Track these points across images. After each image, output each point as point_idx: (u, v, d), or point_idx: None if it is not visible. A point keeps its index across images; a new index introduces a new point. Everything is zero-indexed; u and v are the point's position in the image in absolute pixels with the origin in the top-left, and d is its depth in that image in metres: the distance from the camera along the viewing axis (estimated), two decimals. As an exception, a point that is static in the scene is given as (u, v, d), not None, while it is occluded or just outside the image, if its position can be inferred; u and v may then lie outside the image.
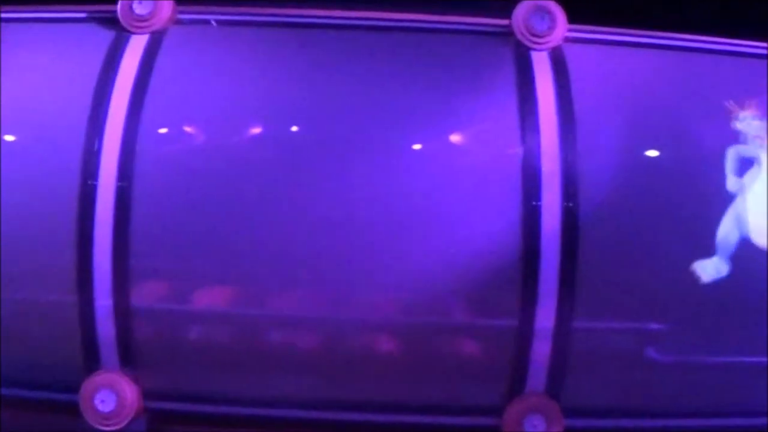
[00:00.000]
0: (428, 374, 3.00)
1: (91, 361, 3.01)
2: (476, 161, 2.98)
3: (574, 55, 3.08)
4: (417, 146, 3.00)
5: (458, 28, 3.22)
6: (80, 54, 3.11)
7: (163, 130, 2.99)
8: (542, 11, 3.10)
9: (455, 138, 3.00)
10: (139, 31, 3.12)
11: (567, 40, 3.10)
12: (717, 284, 2.86)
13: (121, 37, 3.12)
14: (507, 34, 3.15)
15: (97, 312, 2.94)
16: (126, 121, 2.96)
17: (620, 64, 3.09)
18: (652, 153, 2.96)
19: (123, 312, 2.94)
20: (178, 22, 3.16)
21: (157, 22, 3.13)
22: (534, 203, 2.88)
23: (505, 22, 3.16)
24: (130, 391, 2.99)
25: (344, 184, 2.94)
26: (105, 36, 3.14)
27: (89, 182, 2.93)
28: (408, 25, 3.23)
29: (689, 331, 2.92)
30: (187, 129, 3.00)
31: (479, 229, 2.92)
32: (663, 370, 2.93)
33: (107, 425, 3.00)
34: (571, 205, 2.88)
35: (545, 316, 2.89)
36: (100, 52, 3.09)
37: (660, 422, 2.97)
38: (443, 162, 2.98)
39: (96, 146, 2.95)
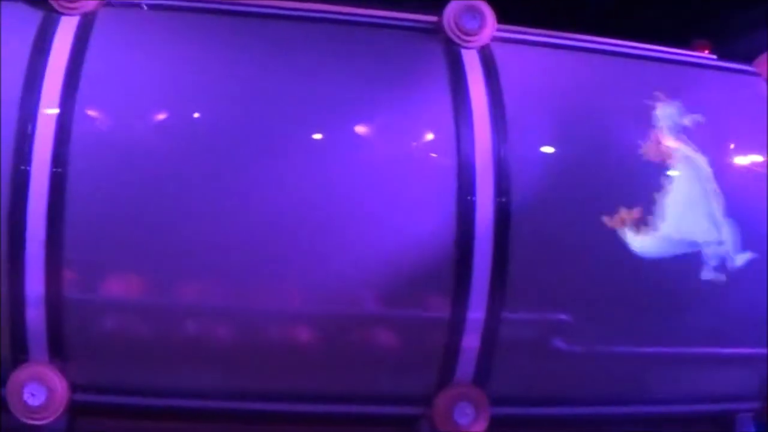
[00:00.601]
0: (359, 365, 3.07)
1: (19, 352, 2.91)
2: (411, 154, 3.07)
3: (501, 54, 3.21)
4: (350, 138, 3.06)
5: (387, 23, 3.29)
6: (8, 34, 2.97)
7: (97, 115, 2.90)
8: (473, 10, 3.22)
9: (390, 131, 3.08)
10: (69, 12, 3.03)
11: (495, 39, 3.23)
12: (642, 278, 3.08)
13: (51, 17, 3.02)
14: (436, 31, 3.26)
15: (27, 301, 2.85)
16: (60, 104, 2.87)
17: (544, 64, 3.24)
18: (578, 150, 3.13)
19: (54, 302, 2.85)
20: (108, 4, 3.09)
21: (88, 4, 3.04)
22: (469, 198, 3.00)
23: (433, 18, 3.27)
24: (60, 384, 2.92)
25: (274, 175, 2.95)
26: (33, 16, 3.02)
27: (22, 167, 2.83)
28: (337, 17, 3.27)
29: (609, 322, 3.12)
30: (122, 114, 2.93)
31: (414, 222, 3.00)
32: (583, 360, 3.12)
33: (35, 419, 2.92)
34: (503, 200, 3.01)
35: (476, 308, 3.02)
36: (29, 32, 2.98)
37: (582, 410, 3.16)
38: (378, 154, 3.05)
39: (29, 130, 2.84)
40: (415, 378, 3.10)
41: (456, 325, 3.02)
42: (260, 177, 2.95)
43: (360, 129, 3.06)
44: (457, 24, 3.20)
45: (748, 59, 3.47)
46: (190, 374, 2.99)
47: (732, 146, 3.24)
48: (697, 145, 3.17)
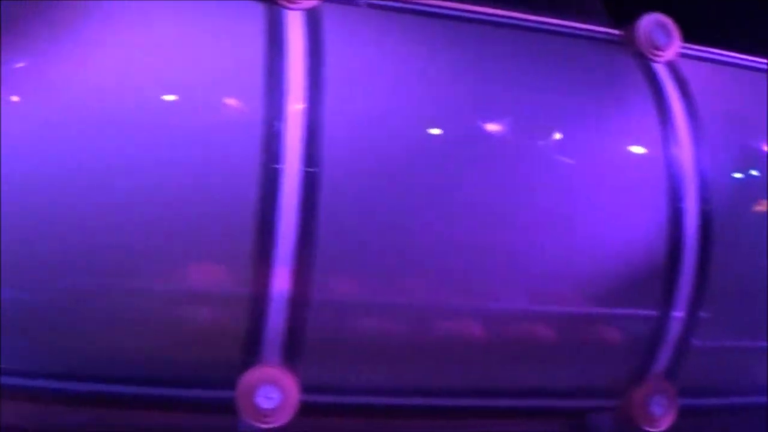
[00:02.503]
0: (560, 359, 3.16)
1: (251, 355, 2.83)
2: (622, 163, 3.18)
3: (686, 69, 3.37)
4: (563, 145, 3.13)
5: (573, 32, 3.38)
6: (234, 27, 2.88)
7: (342, 114, 2.85)
8: (663, 25, 3.36)
9: (600, 140, 3.18)
10: (293, 6, 2.96)
11: (680, 55, 3.39)
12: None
13: (275, 12, 2.94)
14: (620, 43, 3.38)
15: (270, 302, 2.78)
16: (306, 102, 2.81)
17: (725, 82, 3.43)
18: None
19: (297, 303, 2.80)
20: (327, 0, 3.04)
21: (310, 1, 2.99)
22: (678, 205, 3.14)
23: (615, 31, 3.39)
24: (292, 386, 2.86)
25: (497, 178, 3.01)
26: (255, 11, 2.94)
27: (273, 166, 2.75)
28: (525, 24, 3.33)
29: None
30: (364, 114, 2.90)
31: (626, 227, 3.12)
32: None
33: (266, 422, 2.85)
34: (707, 208, 3.17)
35: (679, 308, 3.18)
36: (257, 27, 2.89)
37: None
38: (591, 162, 3.14)
39: (277, 128, 2.77)
40: (610, 372, 3.21)
41: (660, 323, 3.16)
42: (485, 181, 2.98)
43: (572, 137, 3.14)
44: (649, 38, 3.33)
45: None
46: (422, 372, 3.00)
47: None
48: None
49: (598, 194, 3.11)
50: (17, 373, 2.81)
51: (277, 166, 2.75)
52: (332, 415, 2.99)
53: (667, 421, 3.23)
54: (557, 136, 3.10)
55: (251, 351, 2.83)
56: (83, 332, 2.79)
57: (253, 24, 2.91)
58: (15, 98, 2.67)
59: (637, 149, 3.19)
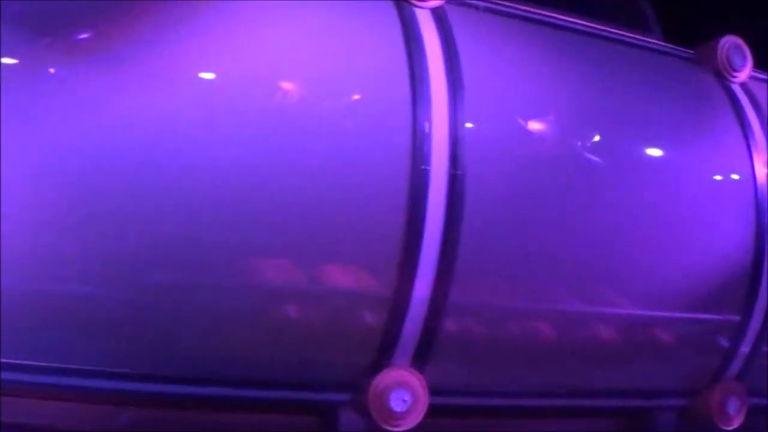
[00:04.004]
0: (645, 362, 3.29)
1: (384, 357, 2.80)
2: (712, 177, 3.33)
3: (757, 91, 3.56)
4: (656, 159, 3.26)
5: (652, 47, 3.52)
6: (375, 29, 2.85)
7: (483, 117, 2.87)
8: (740, 48, 3.53)
9: (695, 155, 3.31)
10: (421, 5, 2.95)
11: (751, 78, 3.58)
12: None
13: (405, 9, 2.92)
14: (694, 61, 3.54)
15: (411, 304, 2.76)
16: (449, 103, 2.80)
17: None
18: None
19: (436, 306, 2.79)
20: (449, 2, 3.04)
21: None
22: (763, 220, 3.31)
23: (685, 50, 3.55)
24: (422, 389, 2.85)
25: (621, 188, 3.11)
26: (385, 8, 2.91)
27: (422, 167, 2.73)
28: (600, 33, 3.42)
29: None
30: (503, 118, 2.92)
31: (715, 239, 3.27)
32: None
33: (396, 426, 2.82)
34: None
35: (757, 318, 3.36)
36: (393, 26, 2.86)
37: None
38: (687, 176, 3.27)
39: (426, 129, 2.75)
40: (691, 373, 3.37)
41: (740, 329, 3.33)
42: (610, 189, 3.08)
43: (673, 152, 3.27)
44: (728, 59, 3.50)
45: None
46: (542, 375, 3.05)
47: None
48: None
49: (693, 206, 3.25)
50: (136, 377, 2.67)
51: (426, 168, 2.73)
52: (454, 416, 2.99)
53: (739, 420, 3.41)
54: (662, 151, 3.22)
55: (385, 353, 2.80)
56: (208, 334, 2.68)
57: (389, 22, 2.88)
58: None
59: (726, 165, 3.35)
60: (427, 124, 2.76)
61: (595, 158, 3.09)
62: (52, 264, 2.47)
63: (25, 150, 2.39)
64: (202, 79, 2.59)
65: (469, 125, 2.83)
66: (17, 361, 2.47)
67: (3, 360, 2.44)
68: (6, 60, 2.34)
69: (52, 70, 2.47)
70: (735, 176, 3.35)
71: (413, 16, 2.92)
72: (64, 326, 2.52)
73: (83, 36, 2.46)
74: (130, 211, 2.51)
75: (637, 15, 3.89)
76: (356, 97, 2.74)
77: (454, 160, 2.78)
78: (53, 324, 2.50)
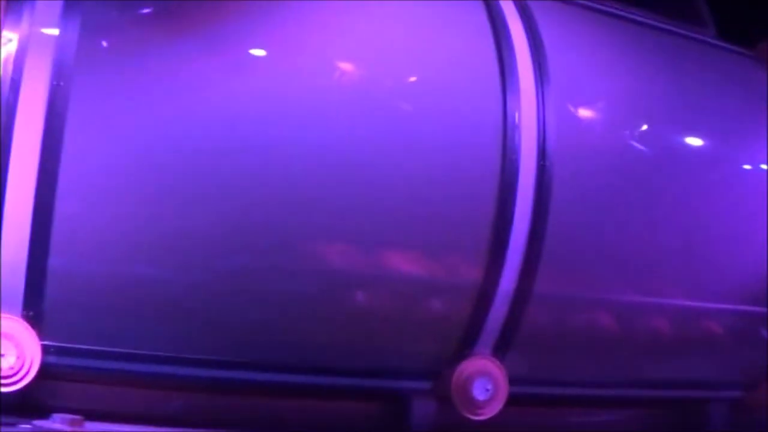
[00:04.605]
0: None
1: (467, 347, 2.82)
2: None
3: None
4: (731, 157, 3.31)
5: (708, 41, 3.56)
6: (464, 19, 2.86)
7: (571, 111, 2.89)
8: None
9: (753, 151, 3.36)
10: (506, -3, 2.97)
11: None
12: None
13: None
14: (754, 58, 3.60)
15: (497, 295, 2.78)
16: (537, 96, 2.82)
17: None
18: None
19: (521, 297, 2.81)
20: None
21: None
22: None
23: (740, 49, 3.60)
24: (503, 379, 2.87)
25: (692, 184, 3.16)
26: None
27: (511, 157, 2.75)
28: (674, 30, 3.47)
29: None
30: (589, 112, 2.95)
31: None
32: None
33: (480, 414, 2.85)
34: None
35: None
36: (479, 18, 2.88)
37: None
38: (731, 170, 3.31)
39: (516, 120, 2.77)
40: (745, 365, 3.43)
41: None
42: (683, 185, 3.13)
43: (736, 149, 3.32)
44: (782, 64, 3.57)
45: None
46: (607, 365, 3.10)
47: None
48: None
49: (754, 204, 3.29)
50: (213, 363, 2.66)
51: (516, 159, 2.74)
52: (529, 405, 3.01)
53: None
54: (735, 150, 3.27)
55: (467, 343, 2.82)
56: (293, 321, 2.68)
57: (477, 14, 2.89)
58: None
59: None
60: (517, 115, 2.77)
61: (672, 153, 3.15)
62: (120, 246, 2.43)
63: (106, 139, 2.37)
64: (303, 69, 2.58)
65: (555, 117, 2.84)
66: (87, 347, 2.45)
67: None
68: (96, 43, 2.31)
69: (142, 55, 2.44)
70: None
71: (499, 8, 2.93)
72: (135, 311, 2.49)
73: (176, 22, 2.44)
74: (203, 194, 2.49)
75: (693, 12, 3.92)
76: (449, 89, 2.75)
77: (542, 151, 2.79)
78: (121, 309, 2.47)
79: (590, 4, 3.21)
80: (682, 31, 3.46)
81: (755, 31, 3.74)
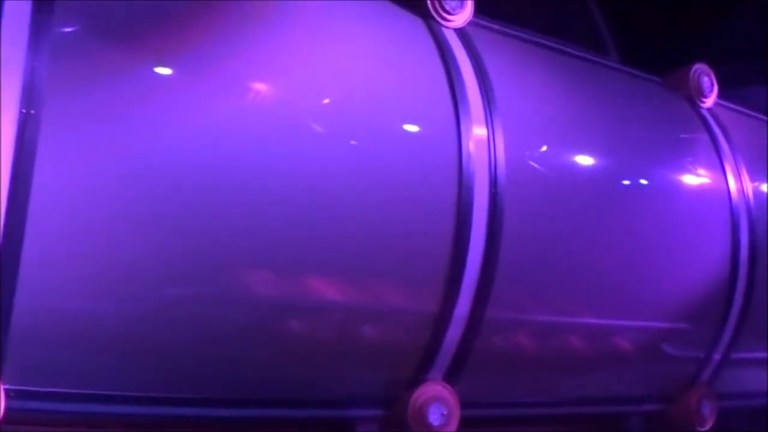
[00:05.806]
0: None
1: (421, 372, 2.83)
2: (692, 199, 3.55)
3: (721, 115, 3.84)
4: (664, 181, 3.47)
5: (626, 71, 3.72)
6: (412, 47, 2.88)
7: (516, 140, 2.94)
8: (709, 75, 3.79)
9: (681, 178, 3.54)
10: (447, 25, 3.00)
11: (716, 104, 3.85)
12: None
13: (434, 28, 2.96)
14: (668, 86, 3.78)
15: (452, 321, 2.80)
16: (486, 121, 2.86)
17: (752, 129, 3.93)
18: None
19: (474, 322, 2.84)
20: (473, 23, 3.10)
21: (461, 19, 3.03)
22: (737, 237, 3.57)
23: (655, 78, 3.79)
24: (455, 403, 2.89)
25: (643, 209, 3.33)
26: (413, 24, 2.94)
27: (467, 185, 2.77)
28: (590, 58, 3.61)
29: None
30: (537, 143, 3.02)
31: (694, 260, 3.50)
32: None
33: (433, 440, 2.86)
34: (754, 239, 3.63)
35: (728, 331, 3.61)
36: (426, 43, 2.90)
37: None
38: (669, 199, 3.48)
39: (471, 148, 2.80)
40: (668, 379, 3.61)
41: (714, 337, 3.58)
42: (635, 210, 3.30)
43: (666, 175, 3.49)
44: (699, 85, 3.76)
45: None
46: (566, 385, 3.17)
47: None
48: None
49: (677, 225, 3.45)
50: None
51: (471, 186, 2.78)
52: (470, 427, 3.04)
53: (711, 422, 3.65)
54: (662, 173, 3.44)
55: (422, 369, 2.83)
56: (244, 353, 2.61)
57: (423, 40, 2.91)
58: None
59: (706, 186, 3.58)
60: (471, 142, 2.80)
61: (609, 179, 3.27)
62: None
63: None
64: (254, 96, 2.52)
65: (504, 144, 2.89)
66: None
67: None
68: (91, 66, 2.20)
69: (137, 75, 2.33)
70: (712, 197, 3.58)
71: (443, 34, 2.97)
72: (87, 349, 2.38)
73: (170, 41, 2.35)
74: (168, 230, 2.40)
75: (596, 39, 4.09)
76: (403, 116, 2.75)
77: (494, 179, 2.83)
78: (76, 348, 2.36)
79: (521, 34, 3.30)
80: (601, 60, 3.60)
81: (661, 60, 3.93)
